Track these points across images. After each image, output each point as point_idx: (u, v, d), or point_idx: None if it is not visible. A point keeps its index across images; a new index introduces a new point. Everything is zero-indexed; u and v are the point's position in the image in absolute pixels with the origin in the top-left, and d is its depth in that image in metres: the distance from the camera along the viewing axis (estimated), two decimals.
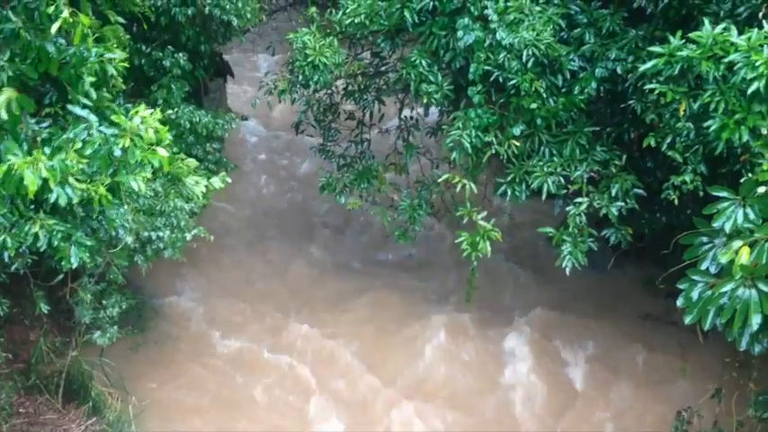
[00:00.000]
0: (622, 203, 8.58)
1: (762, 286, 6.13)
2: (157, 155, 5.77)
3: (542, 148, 8.79)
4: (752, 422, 8.43)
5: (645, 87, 7.75)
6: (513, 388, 10.33)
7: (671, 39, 7.17)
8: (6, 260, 7.07)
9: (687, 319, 6.62)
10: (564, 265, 8.52)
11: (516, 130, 8.66)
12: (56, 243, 6.53)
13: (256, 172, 15.00)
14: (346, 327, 11.24)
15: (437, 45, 8.85)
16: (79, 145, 5.78)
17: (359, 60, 10.69)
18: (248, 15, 10.80)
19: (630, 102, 8.41)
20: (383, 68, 10.81)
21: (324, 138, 11.23)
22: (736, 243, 6.17)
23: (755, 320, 6.16)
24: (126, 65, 6.87)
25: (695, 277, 6.65)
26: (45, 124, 6.44)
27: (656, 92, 7.45)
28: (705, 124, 7.00)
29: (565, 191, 8.73)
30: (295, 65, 9.57)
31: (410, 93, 9.65)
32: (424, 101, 9.23)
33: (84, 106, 6.23)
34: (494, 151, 8.72)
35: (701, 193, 7.69)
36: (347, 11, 9.27)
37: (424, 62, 8.92)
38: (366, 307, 11.65)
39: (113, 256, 8.20)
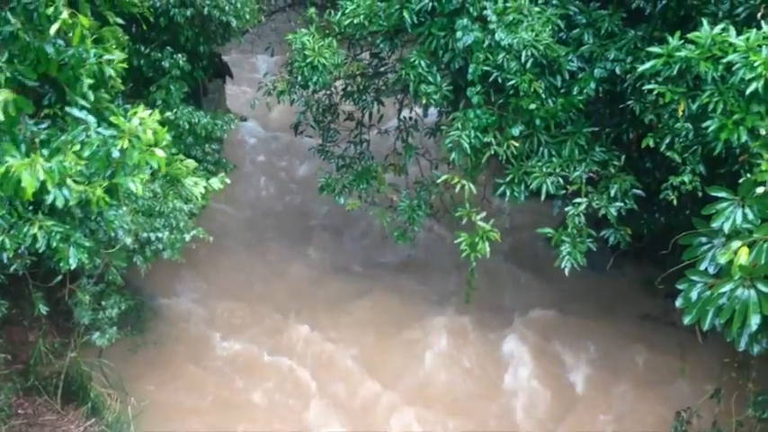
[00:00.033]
0: (621, 204, 8.58)
1: (761, 286, 6.13)
2: (155, 156, 5.75)
3: (541, 148, 8.79)
4: (751, 422, 8.43)
5: (643, 88, 7.74)
6: (514, 393, 10.28)
7: (669, 39, 7.17)
8: (5, 261, 7.07)
9: (686, 320, 6.63)
10: (563, 266, 8.51)
11: (515, 131, 8.66)
12: (54, 244, 6.50)
13: (255, 173, 14.99)
14: (346, 329, 11.21)
15: (436, 46, 8.84)
16: (78, 146, 5.74)
17: (358, 61, 10.66)
18: (247, 16, 10.81)
19: (629, 102, 8.40)
20: (382, 69, 10.78)
21: (323, 138, 11.21)
22: (735, 243, 6.17)
23: (754, 321, 6.17)
24: (125, 66, 6.82)
25: (694, 278, 6.65)
26: (43, 126, 6.39)
27: (655, 92, 7.45)
28: (704, 125, 6.99)
29: (564, 191, 8.73)
30: (294, 66, 9.56)
31: (409, 93, 9.64)
32: (423, 101, 9.22)
33: (83, 108, 6.20)
34: (493, 152, 8.71)
35: (700, 194, 7.69)
36: (346, 11, 9.26)
37: (422, 63, 8.91)
38: (366, 309, 11.63)
39: (112, 257, 8.18)
